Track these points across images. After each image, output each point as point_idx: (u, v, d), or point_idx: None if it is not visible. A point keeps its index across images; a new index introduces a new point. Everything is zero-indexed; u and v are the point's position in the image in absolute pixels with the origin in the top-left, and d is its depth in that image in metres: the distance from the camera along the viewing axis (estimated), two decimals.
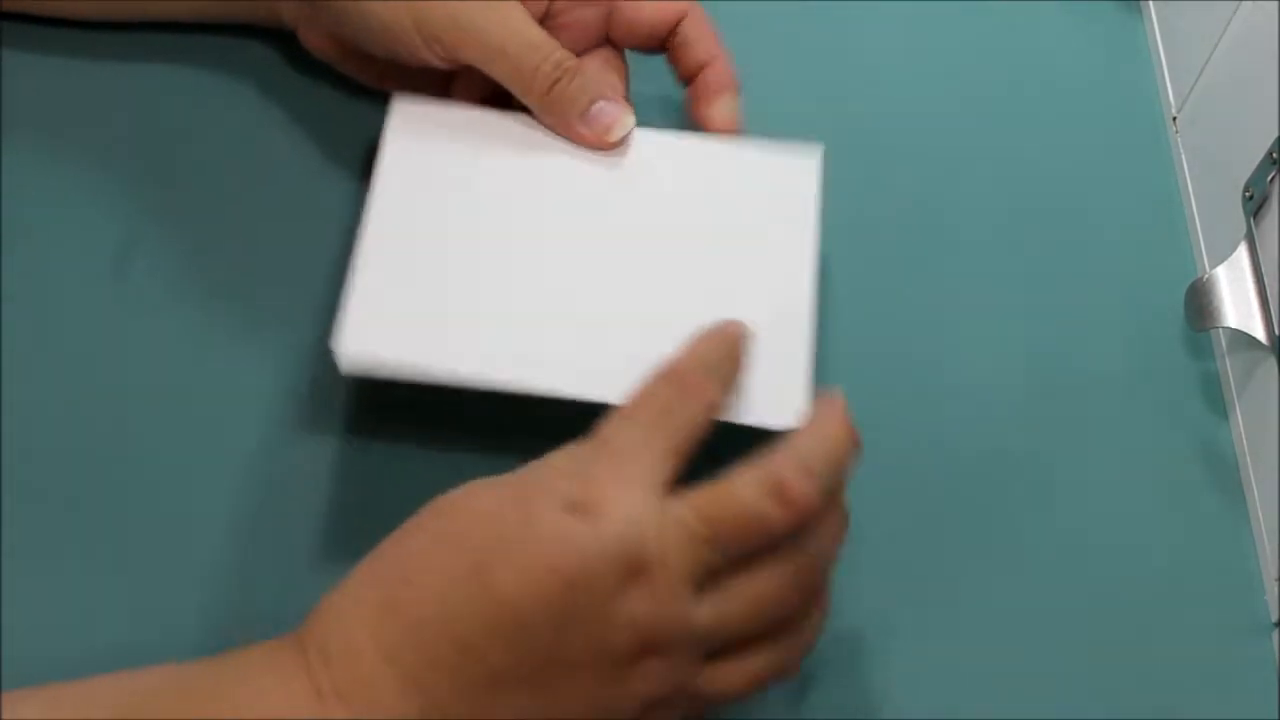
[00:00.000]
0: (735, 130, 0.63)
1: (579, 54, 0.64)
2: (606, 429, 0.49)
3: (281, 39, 0.68)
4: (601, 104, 0.61)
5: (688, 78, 0.64)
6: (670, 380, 0.51)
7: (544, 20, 0.63)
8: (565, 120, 0.61)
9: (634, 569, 0.46)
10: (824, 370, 0.65)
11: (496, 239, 0.59)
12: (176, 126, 0.67)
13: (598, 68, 0.64)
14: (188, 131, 0.67)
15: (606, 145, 0.61)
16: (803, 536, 0.49)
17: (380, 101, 0.65)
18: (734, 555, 0.48)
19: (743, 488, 0.48)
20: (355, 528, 0.60)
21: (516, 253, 0.59)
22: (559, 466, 0.49)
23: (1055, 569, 0.61)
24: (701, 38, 0.63)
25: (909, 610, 0.60)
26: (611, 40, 0.65)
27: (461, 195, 0.60)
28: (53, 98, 0.67)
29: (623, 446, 0.49)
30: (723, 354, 0.53)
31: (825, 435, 0.50)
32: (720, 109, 0.63)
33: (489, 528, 0.47)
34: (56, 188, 0.65)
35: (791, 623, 0.50)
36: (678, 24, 0.63)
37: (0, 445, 0.59)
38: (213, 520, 0.59)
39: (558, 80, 0.60)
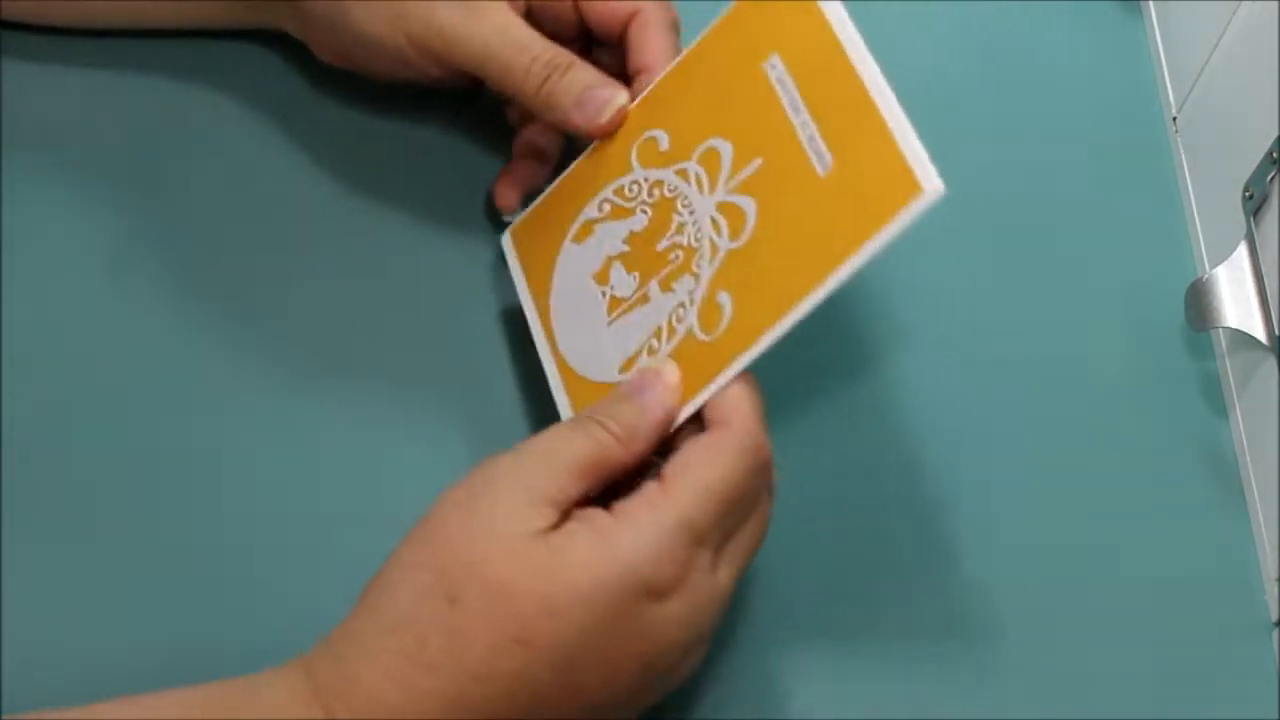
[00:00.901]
0: None
1: (567, 41, 0.63)
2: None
3: (285, 43, 0.68)
4: (592, 90, 0.61)
5: (630, 77, 0.63)
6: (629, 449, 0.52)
7: (525, 17, 0.63)
8: (561, 115, 0.61)
9: (656, 590, 0.48)
10: (821, 365, 0.65)
11: None
12: (178, 129, 0.67)
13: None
14: (188, 135, 0.67)
15: (600, 129, 0.60)
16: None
17: (383, 105, 0.65)
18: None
19: (734, 473, 0.50)
20: (352, 531, 0.60)
21: None
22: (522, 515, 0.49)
23: (1055, 568, 0.61)
24: (644, 44, 0.62)
25: (907, 610, 0.60)
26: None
27: None
28: (52, 102, 0.67)
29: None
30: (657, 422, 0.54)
31: (753, 387, 0.53)
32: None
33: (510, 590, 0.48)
34: (56, 191, 0.65)
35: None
36: (631, 20, 0.63)
37: (0, 446, 0.59)
38: (213, 521, 0.59)
39: (547, 78, 0.60)
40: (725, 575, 0.51)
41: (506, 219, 0.65)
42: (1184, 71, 0.72)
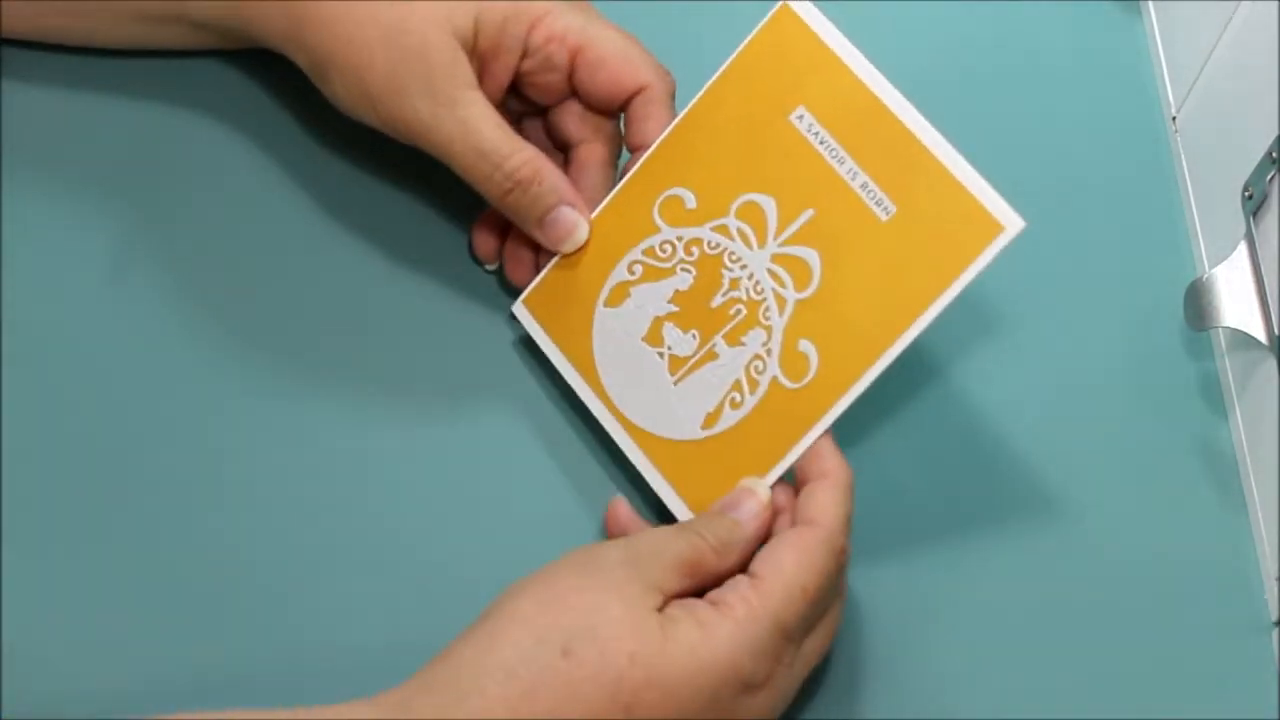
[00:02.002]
0: None
1: (559, 104, 0.64)
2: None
3: (284, 59, 0.68)
4: (558, 211, 0.61)
5: (630, 150, 0.63)
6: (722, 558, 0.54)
7: (516, 80, 0.63)
8: (523, 228, 0.62)
9: (751, 685, 0.51)
10: None
11: None
12: (176, 143, 0.67)
13: (575, 110, 0.64)
14: (187, 148, 0.67)
15: (561, 251, 0.62)
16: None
17: None
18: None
19: (820, 576, 0.53)
20: (352, 531, 0.60)
21: None
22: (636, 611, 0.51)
23: (1055, 568, 0.61)
24: (648, 121, 0.62)
25: (907, 609, 0.60)
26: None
27: None
28: (51, 117, 0.67)
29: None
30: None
31: (844, 487, 0.56)
32: None
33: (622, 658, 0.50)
34: (55, 203, 0.65)
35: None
36: (635, 96, 0.62)
37: (0, 447, 0.59)
38: (213, 525, 0.59)
39: (509, 192, 0.60)
40: (800, 668, 0.54)
41: (488, 268, 0.65)
42: (1184, 71, 0.72)
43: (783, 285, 0.58)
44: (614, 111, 0.63)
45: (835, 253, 0.58)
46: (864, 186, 0.57)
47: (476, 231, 0.65)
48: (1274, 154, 0.61)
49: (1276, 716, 0.59)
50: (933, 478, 0.63)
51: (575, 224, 0.61)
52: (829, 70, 0.59)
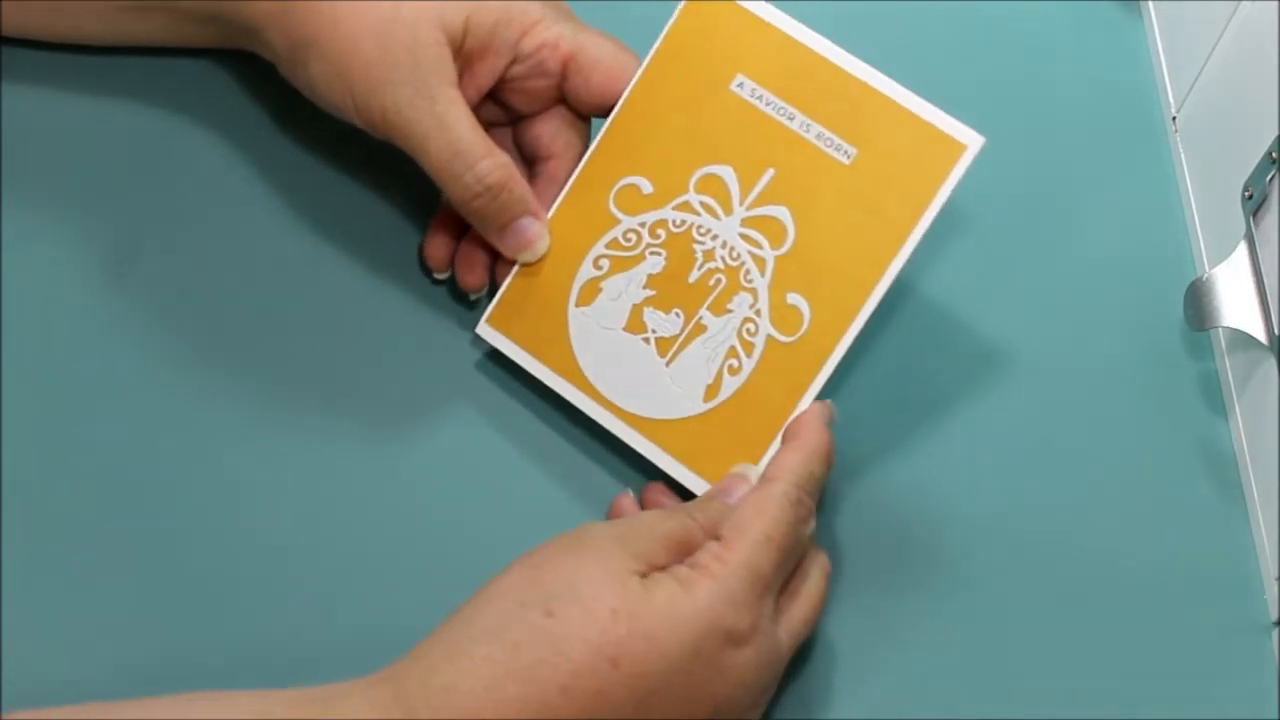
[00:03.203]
0: None
1: (537, 113, 0.64)
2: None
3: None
4: (522, 221, 0.61)
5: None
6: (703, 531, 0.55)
7: (499, 85, 0.63)
8: (485, 233, 0.62)
9: (735, 636, 0.52)
10: None
11: None
12: (182, 132, 0.68)
13: (563, 115, 0.64)
14: (191, 140, 0.67)
15: (520, 260, 0.62)
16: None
17: None
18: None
19: (781, 525, 0.54)
20: (351, 531, 0.60)
21: None
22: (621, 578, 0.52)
23: (1055, 568, 0.61)
24: None
25: (907, 609, 0.60)
26: (567, 104, 0.64)
27: None
28: (47, 116, 0.67)
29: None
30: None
31: (810, 449, 0.57)
32: None
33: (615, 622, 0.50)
34: (53, 204, 0.65)
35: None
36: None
37: (0, 447, 0.59)
38: (212, 526, 0.59)
39: (479, 195, 0.60)
40: (785, 637, 0.54)
41: (438, 277, 0.65)
42: (1184, 71, 0.72)
43: (758, 246, 0.59)
44: (604, 114, 0.63)
45: (805, 204, 0.59)
46: (819, 136, 0.59)
47: (430, 240, 0.65)
48: (1274, 154, 0.61)
49: (1276, 717, 0.59)
50: (933, 478, 0.63)
51: (538, 235, 0.62)
52: (758, 34, 0.60)
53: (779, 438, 0.58)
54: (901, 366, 0.65)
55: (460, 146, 0.60)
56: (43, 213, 0.65)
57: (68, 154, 0.67)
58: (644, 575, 0.52)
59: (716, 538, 0.54)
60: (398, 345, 0.64)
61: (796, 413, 0.58)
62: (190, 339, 0.63)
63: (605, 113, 0.63)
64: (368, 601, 0.58)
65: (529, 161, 0.65)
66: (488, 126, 0.64)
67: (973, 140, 0.57)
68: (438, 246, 0.64)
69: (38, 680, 0.55)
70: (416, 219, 0.67)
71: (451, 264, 0.64)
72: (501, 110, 0.65)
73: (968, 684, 0.59)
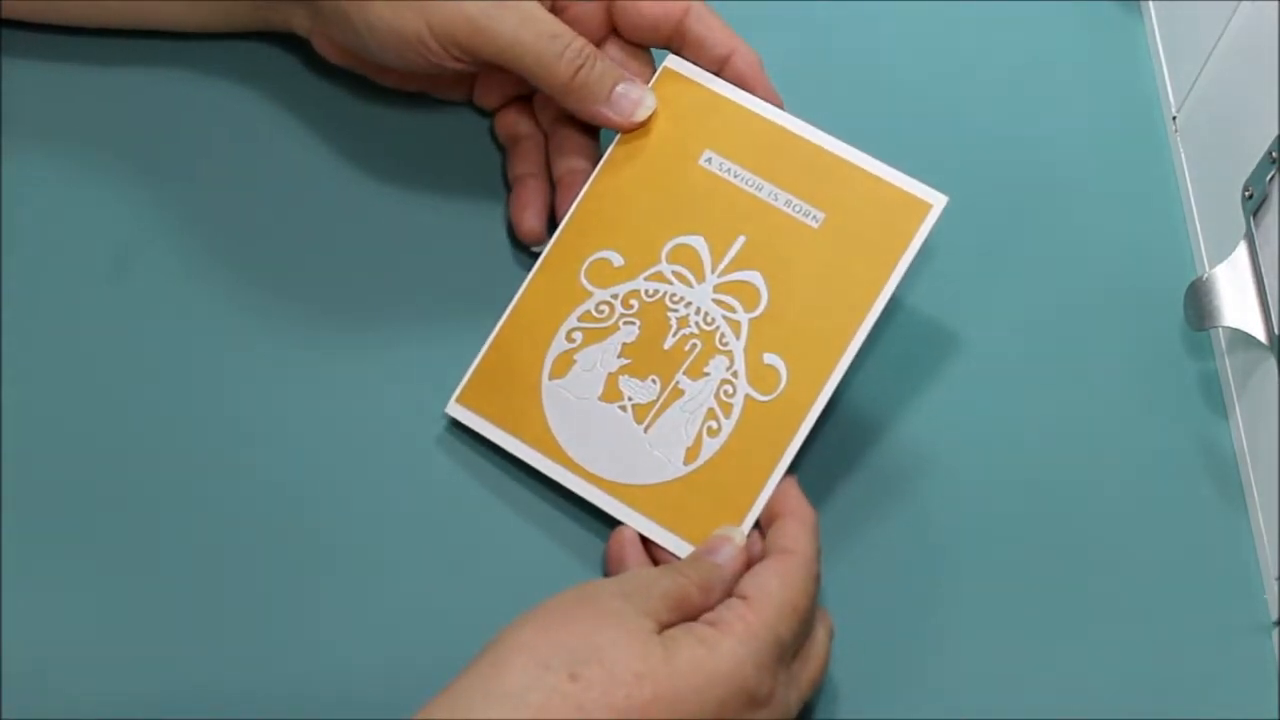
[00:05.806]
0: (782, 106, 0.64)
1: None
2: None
3: (293, 43, 0.68)
4: (623, 87, 0.62)
5: (715, 73, 0.64)
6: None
7: (552, 7, 0.63)
8: (590, 106, 0.62)
9: (756, 699, 0.52)
10: None
11: None
12: (184, 128, 0.68)
13: (616, 53, 0.65)
14: (195, 134, 0.67)
15: (631, 127, 0.63)
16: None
17: (389, 104, 0.65)
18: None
19: (804, 596, 0.54)
20: (351, 531, 0.60)
21: None
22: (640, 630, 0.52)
23: (1055, 569, 0.62)
24: (712, 31, 0.63)
25: (908, 609, 0.60)
26: (618, 33, 0.65)
27: None
28: (57, 101, 0.67)
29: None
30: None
31: (811, 524, 0.57)
32: (763, 96, 0.63)
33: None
34: (60, 188, 0.65)
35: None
36: (682, 21, 0.63)
37: (0, 447, 0.59)
38: (217, 521, 0.59)
39: (580, 67, 0.61)
40: (796, 695, 0.54)
41: (535, 250, 0.64)
42: (1184, 71, 0.72)
43: (732, 310, 0.60)
44: (662, 42, 0.64)
45: (777, 268, 0.60)
46: (788, 203, 0.61)
47: (519, 211, 0.65)
48: (1274, 154, 0.61)
49: (1276, 717, 0.59)
50: (932, 477, 0.63)
51: (643, 92, 0.63)
52: (724, 112, 0.62)
53: (762, 499, 0.58)
54: (901, 366, 0.65)
55: (555, 30, 0.61)
56: (46, 196, 0.65)
57: (72, 139, 0.66)
58: (658, 634, 0.52)
59: (741, 596, 0.54)
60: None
61: (780, 468, 0.58)
62: (191, 339, 0.63)
63: (656, 42, 0.64)
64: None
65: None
66: (514, 140, 0.66)
67: (936, 200, 0.59)
68: (530, 217, 0.65)
69: (38, 680, 0.55)
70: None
71: (546, 234, 0.64)
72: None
73: (968, 684, 0.59)
